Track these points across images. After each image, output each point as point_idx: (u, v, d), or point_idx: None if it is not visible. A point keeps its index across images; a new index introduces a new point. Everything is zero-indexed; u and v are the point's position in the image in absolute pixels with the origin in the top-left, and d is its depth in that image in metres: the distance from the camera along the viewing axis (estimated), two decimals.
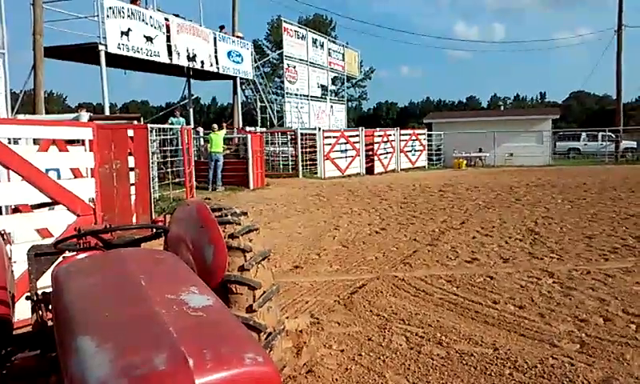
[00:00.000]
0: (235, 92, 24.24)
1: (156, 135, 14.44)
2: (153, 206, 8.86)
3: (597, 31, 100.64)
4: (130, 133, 7.54)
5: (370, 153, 23.10)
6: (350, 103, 46.56)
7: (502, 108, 54.11)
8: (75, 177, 5.58)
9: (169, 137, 15.53)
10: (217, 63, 21.35)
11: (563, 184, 16.45)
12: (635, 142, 31.41)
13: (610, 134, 29.54)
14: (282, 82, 27.39)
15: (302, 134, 20.93)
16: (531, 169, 23.95)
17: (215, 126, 17.87)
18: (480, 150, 27.63)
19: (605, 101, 62.86)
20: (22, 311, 3.21)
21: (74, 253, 2.76)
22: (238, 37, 23.57)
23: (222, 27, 24.00)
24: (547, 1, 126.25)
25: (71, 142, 6.01)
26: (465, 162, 26.60)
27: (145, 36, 16.89)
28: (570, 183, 16.63)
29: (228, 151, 18.00)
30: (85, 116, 7.60)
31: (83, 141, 5.59)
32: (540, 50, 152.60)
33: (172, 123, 18.14)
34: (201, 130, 20.33)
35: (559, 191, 14.55)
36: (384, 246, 7.93)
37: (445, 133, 28.54)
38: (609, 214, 10.35)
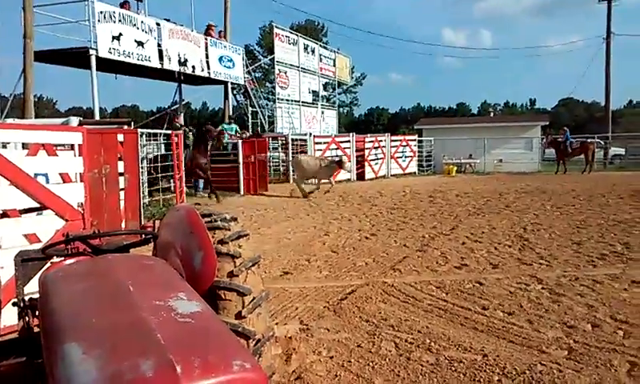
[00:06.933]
0: (226, 97, 24.19)
1: (146, 140, 14.37)
2: (142, 211, 8.82)
3: (585, 39, 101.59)
4: (120, 137, 7.51)
5: (361, 158, 23.13)
6: (341, 109, 46.59)
7: (492, 114, 54.33)
8: (64, 181, 5.53)
9: (160, 141, 15.47)
10: (208, 68, 21.28)
11: (552, 190, 16.56)
12: (623, 149, 31.69)
13: (598, 140, 29.77)
14: (274, 88, 27.34)
15: (292, 140, 20.94)
16: (521, 175, 24.11)
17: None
18: (470, 157, 27.75)
19: (593, 108, 63.47)
20: (9, 317, 3.18)
21: (62, 258, 2.74)
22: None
23: (219, 32, 23.67)
24: (537, 8, 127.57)
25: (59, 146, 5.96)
26: (455, 168, 26.66)
27: (136, 40, 16.83)
28: (559, 189, 16.75)
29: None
30: (74, 120, 7.55)
31: (72, 145, 5.55)
32: (529, 56, 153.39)
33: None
34: (190, 135, 20.23)
35: (548, 197, 14.65)
36: (374, 252, 7.94)
37: (435, 139, 28.62)
38: (597, 220, 10.43)
